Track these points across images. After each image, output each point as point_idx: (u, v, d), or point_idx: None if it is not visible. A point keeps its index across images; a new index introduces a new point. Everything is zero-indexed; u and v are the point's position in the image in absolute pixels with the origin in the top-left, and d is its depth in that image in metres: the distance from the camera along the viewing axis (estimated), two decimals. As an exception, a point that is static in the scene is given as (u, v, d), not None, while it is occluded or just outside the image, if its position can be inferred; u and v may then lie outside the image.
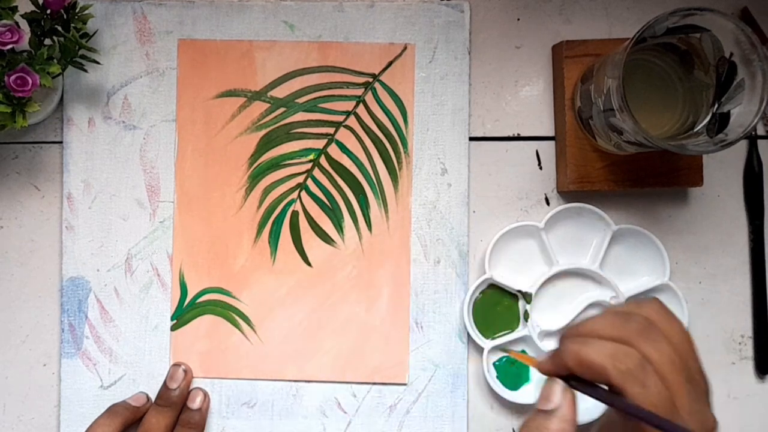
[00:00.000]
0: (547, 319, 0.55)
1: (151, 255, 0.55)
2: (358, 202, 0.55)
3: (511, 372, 0.55)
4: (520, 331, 0.54)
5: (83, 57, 0.52)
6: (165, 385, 0.53)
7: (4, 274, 0.56)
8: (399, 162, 0.55)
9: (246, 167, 0.55)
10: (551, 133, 0.56)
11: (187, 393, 0.54)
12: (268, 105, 0.55)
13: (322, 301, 0.55)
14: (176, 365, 0.54)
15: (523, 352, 0.55)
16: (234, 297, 0.55)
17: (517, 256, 0.55)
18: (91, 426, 0.52)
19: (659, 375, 0.37)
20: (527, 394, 0.55)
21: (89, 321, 0.55)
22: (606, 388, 0.39)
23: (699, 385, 0.39)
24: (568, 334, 0.40)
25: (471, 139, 0.56)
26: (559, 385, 0.40)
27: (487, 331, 0.55)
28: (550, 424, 0.39)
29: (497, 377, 0.55)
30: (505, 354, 0.55)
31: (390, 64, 0.55)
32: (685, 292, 0.55)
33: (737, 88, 0.47)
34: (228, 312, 0.55)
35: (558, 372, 0.40)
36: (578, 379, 0.39)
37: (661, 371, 0.37)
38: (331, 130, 0.55)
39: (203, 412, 0.54)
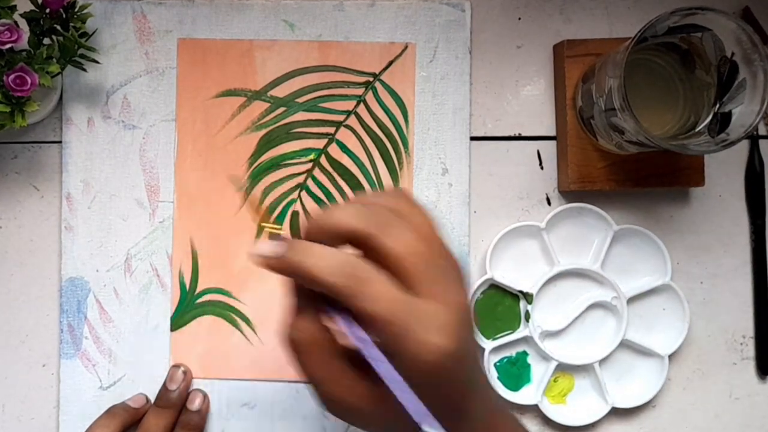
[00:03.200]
0: (548, 319, 0.55)
1: (151, 255, 0.55)
2: (359, 202, 0.55)
3: (512, 372, 0.55)
4: (521, 332, 0.54)
5: (82, 56, 0.52)
6: (164, 386, 0.53)
7: (4, 274, 0.55)
8: (400, 162, 0.55)
9: (246, 167, 0.55)
10: (552, 133, 0.56)
11: (186, 394, 0.54)
12: (268, 104, 0.55)
13: (322, 301, 0.55)
14: (176, 366, 0.54)
15: (524, 353, 0.55)
16: (234, 297, 0.55)
17: (518, 256, 0.55)
18: (90, 427, 0.52)
19: (401, 267, 0.35)
20: (528, 394, 0.55)
21: (88, 321, 0.55)
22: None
23: (445, 269, 0.36)
24: (307, 230, 0.37)
25: (472, 138, 0.56)
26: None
27: (488, 331, 0.55)
28: (296, 322, 0.37)
29: (498, 378, 0.55)
30: (505, 356, 0.55)
31: (390, 63, 0.55)
32: (686, 292, 0.55)
33: (739, 87, 0.47)
34: (228, 312, 0.55)
35: (279, 273, 0.36)
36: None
37: (399, 260, 0.35)
38: (331, 130, 0.55)
39: (203, 413, 0.54)
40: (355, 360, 0.36)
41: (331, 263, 0.35)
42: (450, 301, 0.35)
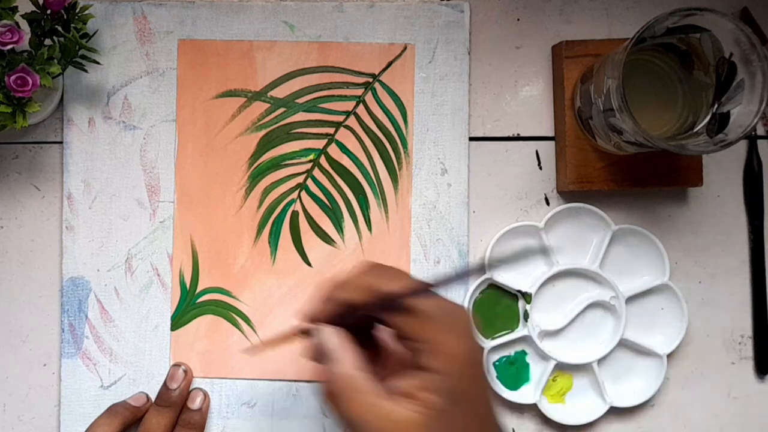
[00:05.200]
0: (547, 319, 0.55)
1: (151, 255, 0.55)
2: (358, 202, 0.55)
3: (511, 372, 0.55)
4: (520, 331, 0.55)
5: (83, 57, 0.52)
6: (165, 385, 0.53)
7: (4, 274, 0.56)
8: (399, 162, 0.55)
9: (246, 167, 0.55)
10: (551, 133, 0.56)
11: (187, 393, 0.54)
12: (268, 105, 0.55)
13: (322, 301, 0.55)
14: (176, 365, 0.54)
15: (523, 352, 0.55)
16: (234, 297, 0.55)
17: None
18: (91, 426, 0.52)
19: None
20: (527, 394, 0.55)
21: (89, 321, 0.55)
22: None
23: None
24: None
25: (471, 139, 0.56)
26: (328, 330, 0.42)
27: (487, 331, 0.55)
28: (329, 368, 0.41)
29: (497, 377, 0.55)
30: (504, 355, 0.55)
31: (390, 64, 0.55)
32: (684, 292, 0.55)
33: (737, 88, 0.47)
34: (228, 312, 0.55)
35: (332, 309, 0.42)
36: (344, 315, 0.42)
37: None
38: (331, 130, 0.55)
39: (203, 412, 0.54)
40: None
41: (387, 272, 0.43)
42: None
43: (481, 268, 0.42)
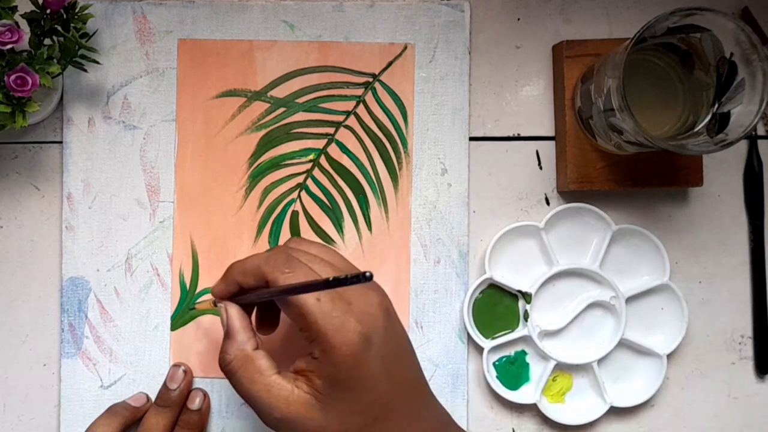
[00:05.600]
0: (547, 319, 0.55)
1: (151, 255, 0.55)
2: (358, 202, 0.55)
3: (511, 372, 0.55)
4: (520, 331, 0.54)
5: (83, 57, 0.52)
6: (165, 385, 0.53)
7: (4, 274, 0.56)
8: (399, 162, 0.55)
9: (246, 167, 0.55)
10: (551, 133, 0.56)
11: (187, 393, 0.54)
12: (268, 105, 0.55)
13: (322, 301, 0.55)
14: (176, 366, 0.54)
15: (523, 352, 0.55)
16: (234, 297, 0.55)
17: (517, 256, 0.55)
18: (90, 426, 0.52)
19: (306, 266, 0.43)
20: (527, 393, 0.55)
21: (89, 321, 0.55)
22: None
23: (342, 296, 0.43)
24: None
25: (471, 139, 0.56)
26: (223, 306, 0.46)
27: (487, 331, 0.55)
28: (225, 346, 0.45)
29: (497, 377, 0.55)
30: (504, 355, 0.55)
31: (390, 64, 0.55)
32: (685, 292, 0.55)
33: (737, 88, 0.47)
34: (228, 312, 0.55)
35: (229, 289, 0.46)
36: (240, 294, 0.46)
37: (307, 264, 0.43)
38: (331, 130, 0.55)
39: (203, 412, 0.54)
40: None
41: (262, 255, 0.45)
42: (354, 332, 0.42)
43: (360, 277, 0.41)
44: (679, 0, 0.53)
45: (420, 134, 0.55)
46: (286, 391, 0.42)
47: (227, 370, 0.44)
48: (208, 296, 0.53)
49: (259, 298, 0.45)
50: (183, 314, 0.55)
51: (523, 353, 0.55)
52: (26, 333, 0.55)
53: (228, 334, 0.45)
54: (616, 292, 0.54)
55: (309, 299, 0.41)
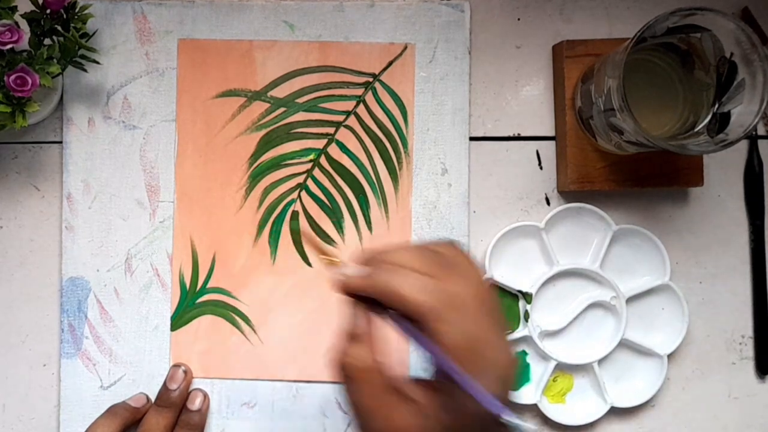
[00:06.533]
0: (547, 319, 0.55)
1: (151, 255, 0.55)
2: (358, 202, 0.55)
3: (512, 372, 0.55)
4: (520, 331, 0.54)
5: (83, 57, 0.52)
6: (165, 386, 0.53)
7: (4, 274, 0.56)
8: (399, 162, 0.55)
9: (246, 167, 0.55)
10: (552, 133, 0.56)
11: (186, 394, 0.54)
12: (268, 105, 0.55)
13: (322, 301, 0.55)
14: (176, 366, 0.54)
15: (523, 352, 0.55)
16: (234, 297, 0.55)
17: (517, 256, 0.55)
18: (90, 426, 0.52)
19: (464, 311, 0.37)
20: (527, 394, 0.55)
21: (89, 321, 0.55)
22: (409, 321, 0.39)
23: (500, 322, 0.39)
24: (375, 260, 0.40)
25: (471, 139, 0.56)
26: (362, 311, 0.40)
27: (488, 331, 0.55)
28: (351, 349, 0.39)
29: (497, 377, 0.55)
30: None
31: (390, 63, 0.55)
32: (685, 292, 0.55)
33: (738, 88, 0.47)
34: (228, 312, 0.55)
35: (362, 293, 0.40)
36: (380, 306, 0.39)
37: (465, 307, 0.38)
38: (331, 130, 0.55)
39: (203, 412, 0.54)
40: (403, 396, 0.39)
41: (417, 284, 0.37)
42: (512, 362, 0.39)
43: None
44: (679, 0, 0.53)
45: (420, 134, 0.55)
46: (406, 414, 0.38)
47: (346, 374, 0.39)
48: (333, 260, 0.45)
49: (397, 327, 0.39)
50: (183, 314, 0.55)
51: (524, 353, 0.55)
52: (26, 333, 0.55)
53: (353, 336, 0.40)
54: (616, 293, 0.54)
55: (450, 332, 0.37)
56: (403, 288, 0.37)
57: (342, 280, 0.40)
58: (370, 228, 0.55)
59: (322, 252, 0.44)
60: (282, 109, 0.55)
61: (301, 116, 0.55)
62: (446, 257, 0.39)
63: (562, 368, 0.55)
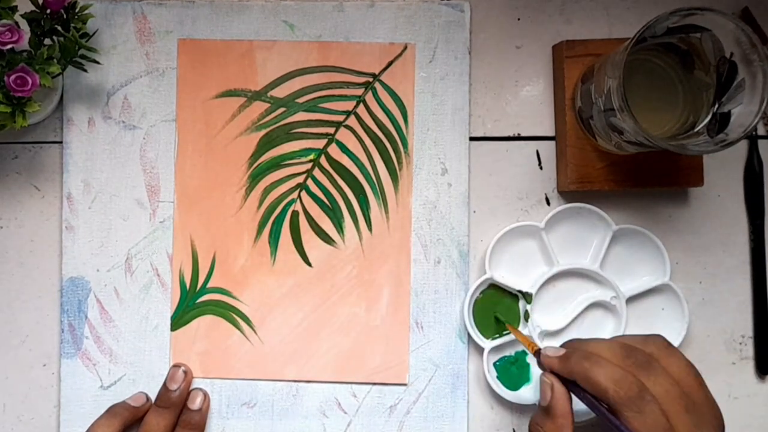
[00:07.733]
0: (547, 319, 0.55)
1: (151, 255, 0.55)
2: (358, 202, 0.55)
3: (512, 372, 0.55)
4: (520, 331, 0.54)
5: (83, 57, 0.52)
6: (165, 386, 0.53)
7: (4, 274, 0.56)
8: (399, 162, 0.55)
9: (246, 167, 0.55)
10: (551, 133, 0.56)
11: (187, 394, 0.54)
12: (268, 105, 0.55)
13: (322, 301, 0.55)
14: (176, 366, 0.54)
15: (523, 352, 0.55)
16: (234, 297, 0.55)
17: (517, 256, 0.55)
18: (90, 426, 0.52)
19: (658, 404, 0.40)
20: (527, 394, 0.55)
21: (89, 321, 0.55)
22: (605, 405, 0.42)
23: (702, 415, 0.41)
24: (575, 347, 0.44)
25: (471, 139, 0.56)
26: (559, 385, 0.44)
27: (488, 331, 0.55)
28: (545, 422, 0.44)
29: (497, 377, 0.55)
30: (504, 355, 0.55)
31: (390, 63, 0.55)
32: (685, 292, 0.55)
33: (738, 88, 0.47)
34: (228, 312, 0.55)
35: (559, 374, 0.44)
36: (576, 386, 0.43)
37: (659, 401, 0.40)
38: (331, 130, 0.55)
39: (203, 412, 0.54)
40: None
41: (613, 375, 0.41)
42: None
43: None
44: (679, 0, 0.53)
45: (420, 134, 0.55)
46: None
47: None
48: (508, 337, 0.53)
49: (589, 408, 0.43)
50: (183, 314, 0.55)
51: (524, 353, 0.55)
52: (26, 333, 0.55)
53: (549, 412, 0.44)
54: (616, 293, 0.54)
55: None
56: (598, 376, 0.41)
57: (546, 354, 0.45)
58: (370, 228, 0.55)
59: (525, 340, 0.50)
60: (282, 109, 0.55)
61: (301, 116, 0.55)
62: (643, 354, 0.43)
63: (562, 368, 0.55)
